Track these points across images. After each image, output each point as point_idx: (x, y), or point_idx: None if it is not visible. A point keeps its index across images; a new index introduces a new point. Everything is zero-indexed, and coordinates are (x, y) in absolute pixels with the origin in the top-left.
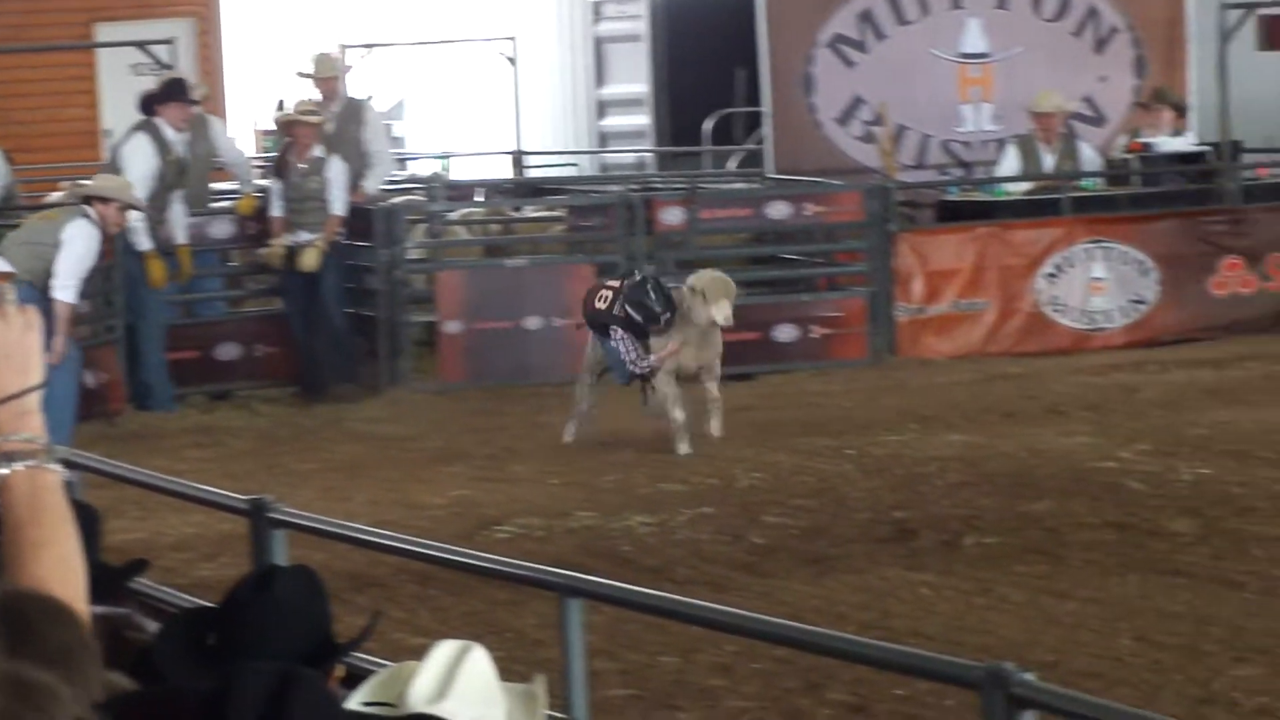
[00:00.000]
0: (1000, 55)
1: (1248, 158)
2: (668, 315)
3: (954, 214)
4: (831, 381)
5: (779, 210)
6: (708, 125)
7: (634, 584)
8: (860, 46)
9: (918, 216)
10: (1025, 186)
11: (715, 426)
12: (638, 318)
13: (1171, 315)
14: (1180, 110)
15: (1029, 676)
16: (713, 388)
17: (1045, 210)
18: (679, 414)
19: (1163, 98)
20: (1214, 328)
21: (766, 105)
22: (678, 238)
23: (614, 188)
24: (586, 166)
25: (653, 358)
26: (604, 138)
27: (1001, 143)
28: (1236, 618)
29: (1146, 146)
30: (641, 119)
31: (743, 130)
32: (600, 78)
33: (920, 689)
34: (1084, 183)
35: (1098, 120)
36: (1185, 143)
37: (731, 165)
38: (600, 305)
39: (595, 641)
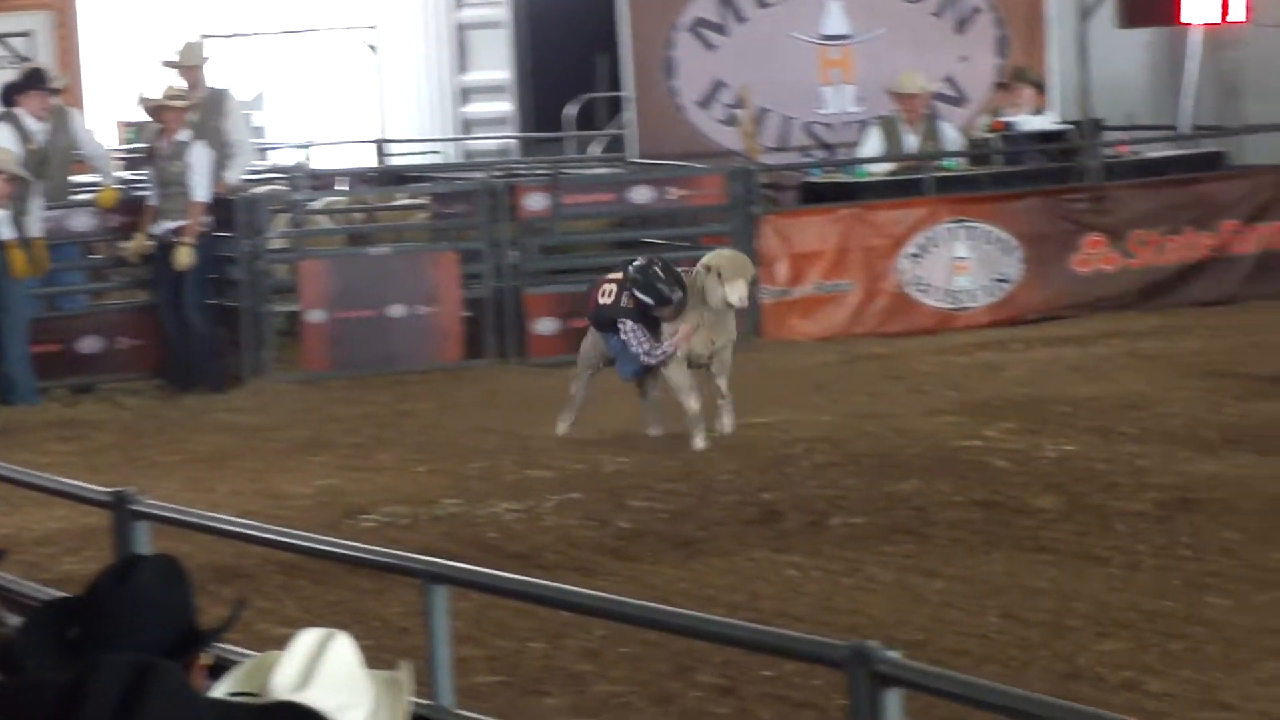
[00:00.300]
0: (861, 37)
1: (1109, 135)
2: (679, 295)
3: (817, 196)
4: None
5: (642, 195)
6: (570, 111)
7: (501, 570)
8: (721, 29)
9: (781, 199)
10: (888, 167)
11: (727, 423)
12: (649, 301)
13: (1035, 293)
14: (1041, 89)
15: (893, 654)
16: (723, 383)
17: (908, 191)
18: (693, 403)
19: (1023, 77)
20: (1077, 305)
21: (628, 90)
22: (542, 223)
23: (477, 175)
24: (450, 154)
25: (666, 344)
26: (467, 125)
27: (864, 124)
28: (1101, 593)
29: (1008, 126)
30: (504, 105)
31: (605, 115)
32: (462, 65)
33: (789, 669)
34: (946, 163)
35: (960, 100)
36: (1046, 121)
37: (594, 150)
38: (605, 300)
39: (463, 628)
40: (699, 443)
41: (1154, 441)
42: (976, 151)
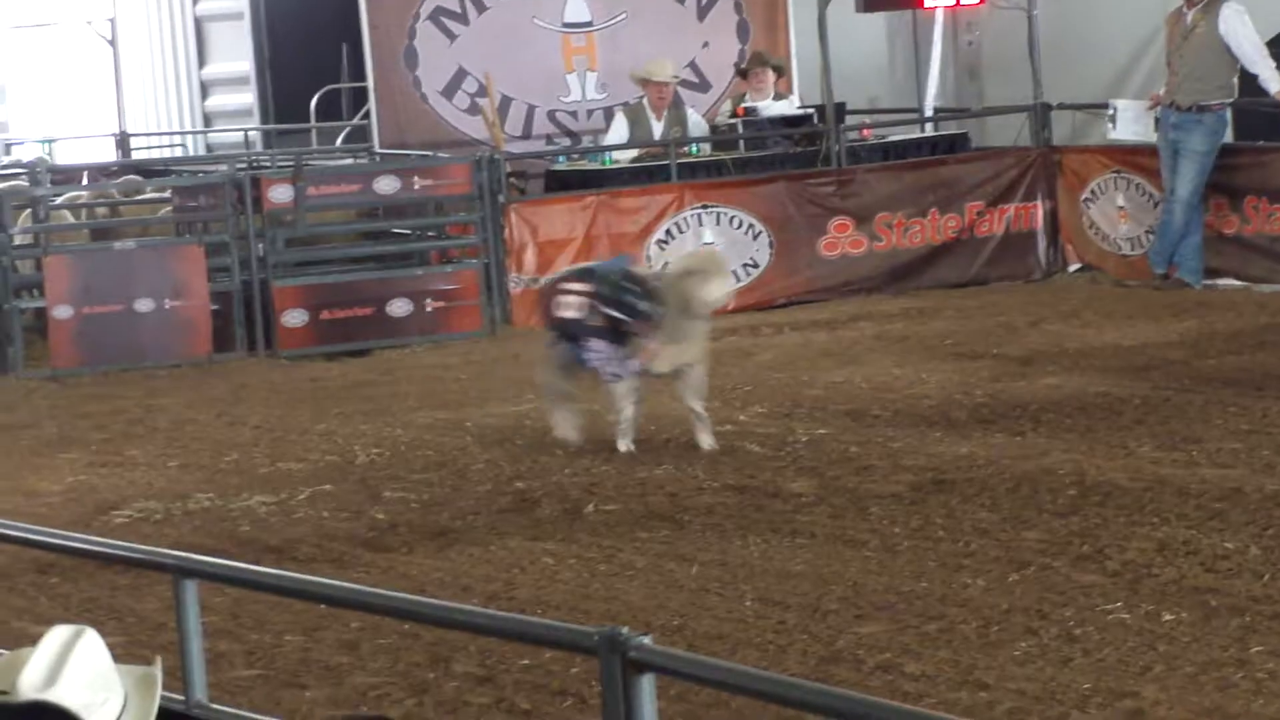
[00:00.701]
0: (604, 24)
1: (852, 119)
2: (656, 310)
3: (563, 184)
4: (448, 355)
5: (388, 185)
6: (313, 102)
7: (256, 564)
8: (462, 18)
9: (526, 187)
10: (634, 154)
11: (705, 440)
12: (624, 318)
13: (784, 278)
14: (782, 73)
15: (645, 640)
16: (697, 405)
17: (654, 178)
18: (628, 411)
19: (764, 61)
20: (826, 289)
21: (371, 80)
22: (287, 215)
23: (221, 167)
24: (193, 147)
25: (634, 362)
26: (209, 117)
27: (608, 111)
28: (857, 576)
29: (751, 111)
30: (247, 97)
31: (350, 106)
32: (203, 57)
33: (547, 657)
34: (692, 149)
35: (703, 86)
36: (789, 106)
37: (339, 141)
38: (569, 314)
39: (219, 623)
40: (623, 445)
41: (906, 424)
42: (721, 137)
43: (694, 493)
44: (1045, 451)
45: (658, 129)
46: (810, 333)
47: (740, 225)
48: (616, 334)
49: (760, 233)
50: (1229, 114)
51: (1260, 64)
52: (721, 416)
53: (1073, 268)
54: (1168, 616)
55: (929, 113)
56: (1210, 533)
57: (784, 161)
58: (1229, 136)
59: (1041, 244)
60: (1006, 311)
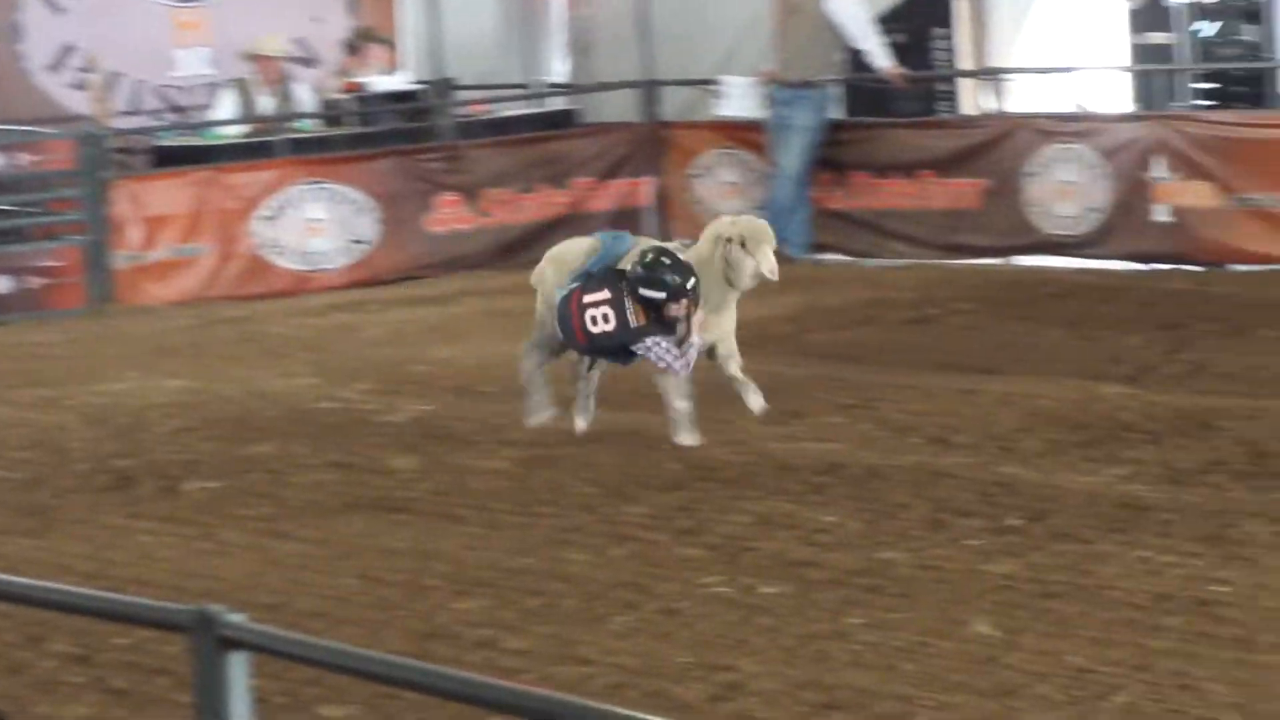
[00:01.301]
0: None
1: (463, 95)
2: (694, 283)
3: (170, 159)
4: (49, 332)
5: None
6: None
7: None
8: None
9: (133, 163)
10: (242, 130)
11: (755, 402)
12: (660, 296)
13: (392, 254)
14: (391, 48)
15: (237, 618)
16: (736, 370)
17: (262, 153)
18: (682, 403)
19: (371, 37)
20: (434, 265)
21: None
22: None
23: None
24: None
25: (692, 343)
26: None
27: (217, 86)
28: (458, 552)
29: (360, 86)
30: None
31: None
32: None
33: (144, 636)
34: (301, 124)
35: (311, 62)
36: (399, 81)
37: None
38: (604, 328)
39: None
40: (687, 439)
41: (511, 400)
42: (330, 113)
43: (295, 470)
44: (649, 426)
45: (266, 104)
46: (418, 309)
47: (348, 201)
48: (662, 324)
49: (368, 209)
50: (836, 91)
51: (867, 40)
52: (325, 393)
53: None
54: (767, 590)
55: (538, 88)
56: (811, 506)
57: (393, 137)
58: (839, 113)
59: (650, 219)
60: None
